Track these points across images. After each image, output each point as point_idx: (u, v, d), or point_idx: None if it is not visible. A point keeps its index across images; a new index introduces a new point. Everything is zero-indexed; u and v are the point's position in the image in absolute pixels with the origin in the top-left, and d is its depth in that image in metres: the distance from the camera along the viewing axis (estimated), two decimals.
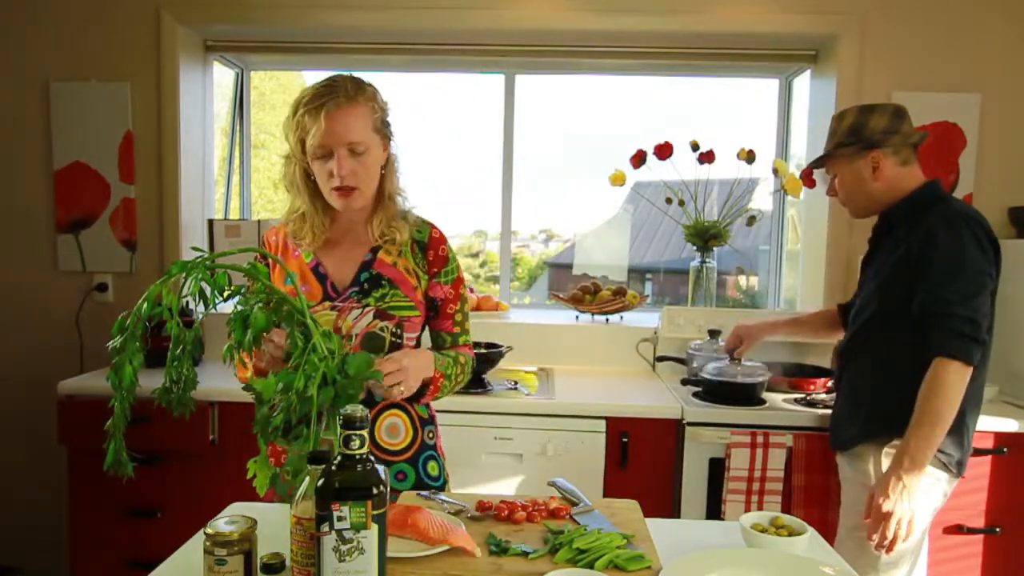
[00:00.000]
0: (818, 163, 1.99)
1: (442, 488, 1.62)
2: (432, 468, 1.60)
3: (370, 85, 1.49)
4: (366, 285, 1.51)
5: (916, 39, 2.75)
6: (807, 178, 2.81)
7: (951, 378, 1.61)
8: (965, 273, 1.65)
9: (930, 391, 1.63)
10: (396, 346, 1.51)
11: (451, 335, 1.60)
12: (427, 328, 1.61)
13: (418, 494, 1.42)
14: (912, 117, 2.73)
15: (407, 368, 1.36)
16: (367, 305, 1.49)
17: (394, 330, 1.51)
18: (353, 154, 1.43)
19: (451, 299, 1.58)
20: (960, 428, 1.74)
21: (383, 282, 1.51)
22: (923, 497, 1.71)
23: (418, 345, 1.58)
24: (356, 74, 1.49)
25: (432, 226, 1.59)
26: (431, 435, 1.62)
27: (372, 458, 0.97)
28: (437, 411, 1.67)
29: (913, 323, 1.71)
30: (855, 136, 1.86)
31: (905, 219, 1.83)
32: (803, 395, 2.44)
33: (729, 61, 3.01)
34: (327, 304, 1.49)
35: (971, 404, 1.76)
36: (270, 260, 1.49)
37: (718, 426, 2.25)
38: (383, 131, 1.50)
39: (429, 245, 1.55)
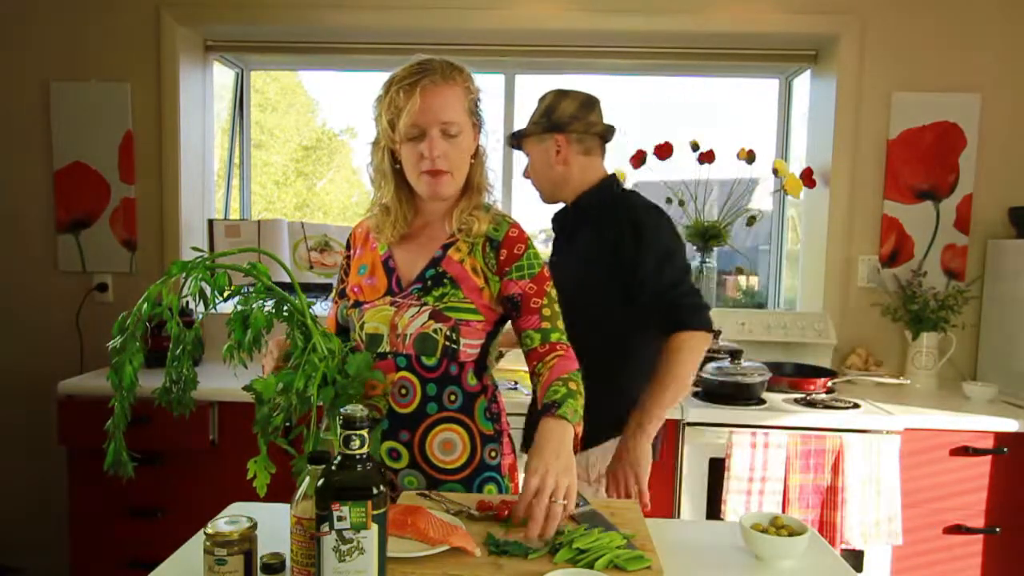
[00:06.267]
0: (513, 142, 1.95)
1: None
2: (489, 491, 1.42)
3: (464, 67, 1.40)
4: (429, 282, 1.39)
5: (916, 39, 2.75)
6: (807, 178, 2.81)
7: (699, 346, 1.68)
8: (677, 255, 1.74)
9: (677, 361, 1.66)
10: (449, 351, 1.38)
11: (540, 332, 1.38)
12: (514, 333, 1.44)
13: (418, 494, 1.41)
14: (912, 117, 2.78)
15: (549, 485, 1.14)
16: (424, 304, 1.38)
17: (448, 333, 1.37)
18: (446, 135, 1.35)
19: (534, 293, 1.39)
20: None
21: (445, 281, 1.39)
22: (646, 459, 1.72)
23: (482, 354, 1.44)
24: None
25: (512, 224, 1.43)
26: (493, 454, 1.44)
27: (372, 458, 0.97)
28: None
29: (614, 310, 1.74)
30: (545, 118, 1.86)
31: (602, 211, 1.81)
32: (803, 395, 2.44)
33: (729, 61, 3.01)
34: (388, 299, 1.41)
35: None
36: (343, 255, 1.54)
37: (718, 426, 2.25)
38: (475, 116, 1.43)
39: (503, 244, 1.40)
